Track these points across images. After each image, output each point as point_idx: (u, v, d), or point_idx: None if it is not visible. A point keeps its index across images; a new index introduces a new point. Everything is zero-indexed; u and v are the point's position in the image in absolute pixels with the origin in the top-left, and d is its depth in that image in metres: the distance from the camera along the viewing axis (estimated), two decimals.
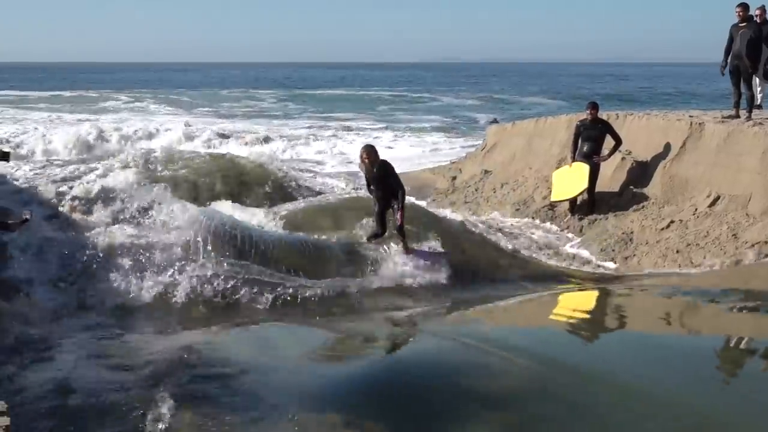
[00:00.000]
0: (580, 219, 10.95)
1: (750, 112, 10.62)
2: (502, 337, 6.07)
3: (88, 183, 11.87)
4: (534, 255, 10.00)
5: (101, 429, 4.50)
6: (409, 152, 21.65)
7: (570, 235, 10.79)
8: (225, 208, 9.97)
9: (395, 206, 8.69)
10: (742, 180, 9.42)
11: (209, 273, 7.97)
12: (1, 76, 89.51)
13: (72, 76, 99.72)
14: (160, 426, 4.42)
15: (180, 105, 45.35)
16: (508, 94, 57.17)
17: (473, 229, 10.53)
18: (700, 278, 8.34)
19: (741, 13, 10.48)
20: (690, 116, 11.51)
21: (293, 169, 15.27)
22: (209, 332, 6.94)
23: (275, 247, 8.59)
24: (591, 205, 11.01)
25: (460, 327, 6.88)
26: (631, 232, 10.00)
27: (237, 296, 7.81)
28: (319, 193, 13.44)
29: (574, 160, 11.08)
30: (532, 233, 10.95)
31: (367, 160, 8.75)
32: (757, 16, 10.87)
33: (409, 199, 9.95)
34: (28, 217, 6.76)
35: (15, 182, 12.66)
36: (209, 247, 8.21)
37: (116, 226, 9.30)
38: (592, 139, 10.96)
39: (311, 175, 16.75)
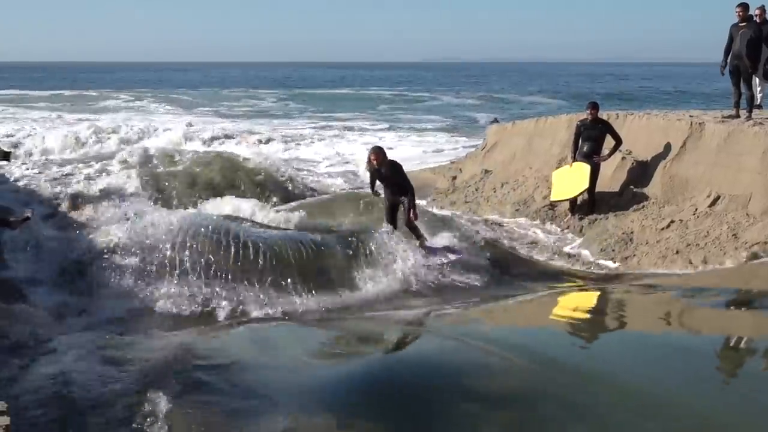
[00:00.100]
0: (581, 219, 10.95)
1: (750, 111, 10.62)
2: (502, 336, 6.07)
3: (87, 182, 11.89)
4: (534, 255, 10.00)
5: (101, 428, 4.50)
6: (411, 152, 21.64)
7: (570, 234, 10.79)
8: (227, 203, 10.01)
9: (405, 203, 8.86)
10: (743, 180, 9.42)
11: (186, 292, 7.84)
12: (1, 76, 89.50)
13: (72, 75, 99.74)
14: (161, 425, 4.42)
15: (180, 104, 45.34)
16: (508, 93, 57.15)
17: (474, 229, 10.53)
18: (700, 278, 8.34)
19: (741, 13, 10.48)
20: (690, 116, 11.51)
21: (292, 168, 15.30)
22: (209, 331, 6.94)
23: (269, 251, 8.50)
24: (591, 204, 11.01)
25: (460, 326, 6.88)
26: (632, 232, 10.00)
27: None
28: (319, 191, 13.47)
29: (574, 159, 11.08)
30: (532, 233, 10.95)
31: (375, 162, 8.87)
32: (756, 15, 10.88)
33: None
34: (29, 215, 6.79)
35: (15, 181, 12.67)
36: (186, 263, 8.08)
37: (115, 225, 9.30)
38: (592, 139, 10.96)
39: (311, 174, 16.78)
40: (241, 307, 7.71)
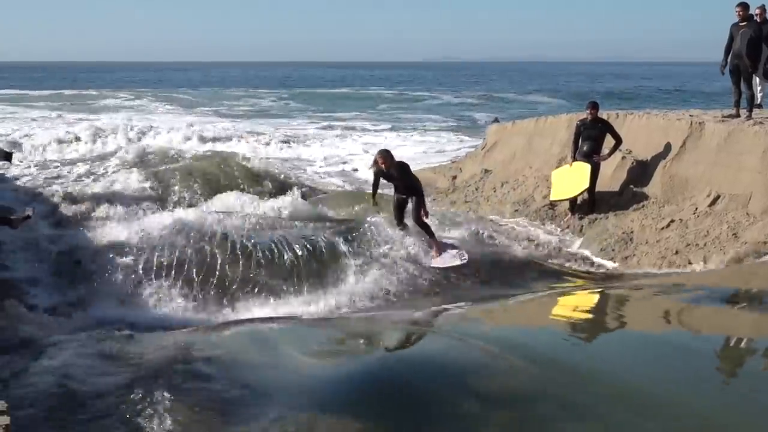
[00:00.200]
0: (580, 218, 10.94)
1: (750, 111, 10.62)
2: (502, 336, 6.07)
3: (87, 182, 11.89)
4: (534, 254, 9.99)
5: (101, 427, 4.50)
6: (411, 151, 21.64)
7: (570, 234, 10.79)
8: (226, 201, 10.03)
9: (413, 202, 8.94)
10: (743, 179, 9.41)
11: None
12: (1, 76, 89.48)
13: (72, 75, 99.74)
14: (161, 424, 4.42)
15: (180, 104, 45.35)
16: (508, 92, 57.14)
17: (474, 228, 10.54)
18: (700, 277, 8.33)
19: (741, 13, 10.49)
20: (690, 115, 11.51)
21: (291, 168, 15.31)
22: (209, 330, 6.93)
23: (264, 256, 8.50)
24: (591, 204, 11.01)
25: (460, 326, 6.87)
26: (632, 232, 10.00)
27: None
28: (318, 190, 13.49)
29: (574, 159, 11.08)
30: (532, 233, 10.94)
31: (383, 165, 8.87)
32: (757, 15, 10.88)
33: None
34: (30, 214, 6.80)
35: (14, 180, 12.67)
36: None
37: (114, 224, 9.31)
38: (592, 139, 10.96)
39: (310, 173, 16.79)
40: (240, 306, 7.72)
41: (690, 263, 8.88)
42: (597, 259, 9.80)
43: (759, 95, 11.44)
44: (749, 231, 8.80)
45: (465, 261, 8.83)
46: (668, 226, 9.69)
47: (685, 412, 4.26)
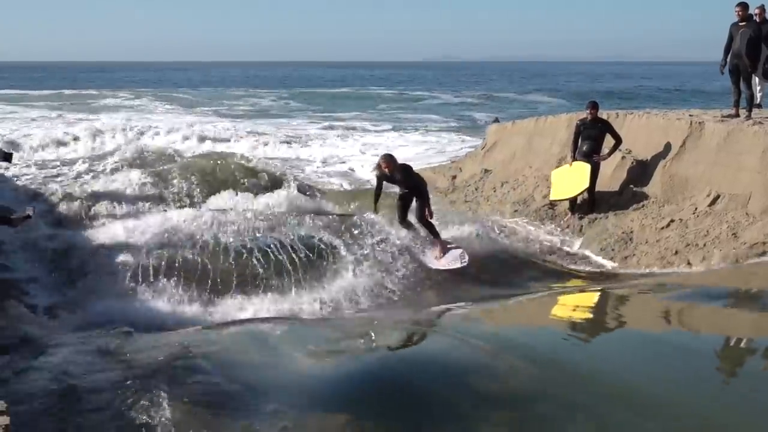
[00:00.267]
0: (580, 218, 10.94)
1: (750, 111, 10.62)
2: (502, 336, 6.07)
3: (86, 181, 11.88)
4: (533, 254, 9.99)
5: (101, 426, 4.50)
6: (411, 151, 21.64)
7: (570, 234, 10.79)
8: (225, 201, 10.05)
9: (418, 202, 8.95)
10: (742, 179, 9.41)
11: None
12: (1, 76, 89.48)
13: (72, 75, 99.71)
14: (159, 423, 4.42)
15: (180, 103, 45.33)
16: (508, 92, 57.15)
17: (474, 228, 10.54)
18: (700, 277, 8.34)
19: (740, 13, 10.50)
20: (690, 115, 11.51)
21: (290, 167, 15.31)
22: (208, 329, 6.94)
23: (262, 254, 8.50)
24: (591, 204, 11.01)
25: (460, 326, 6.88)
26: (631, 232, 10.00)
27: None
28: (319, 190, 13.49)
29: (574, 159, 11.08)
30: (532, 232, 10.94)
31: (387, 169, 8.88)
32: (756, 15, 10.88)
33: None
34: (30, 213, 6.79)
35: (14, 180, 12.67)
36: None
37: (114, 224, 9.31)
38: (592, 138, 10.96)
39: (310, 173, 16.78)
40: (239, 305, 7.72)
41: (689, 263, 8.88)
42: (597, 259, 9.80)
43: (758, 95, 11.44)
44: (749, 231, 8.80)
45: (465, 263, 8.82)
46: (668, 225, 9.69)
47: (685, 412, 4.26)
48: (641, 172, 10.94)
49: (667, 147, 10.73)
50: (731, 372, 5.14)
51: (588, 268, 9.51)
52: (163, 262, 8.18)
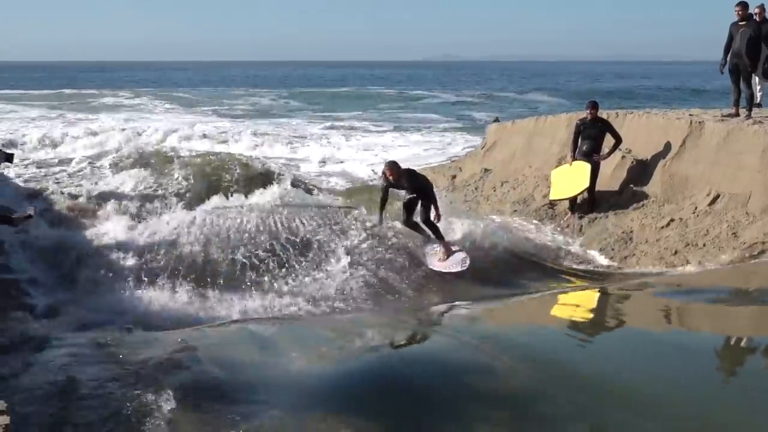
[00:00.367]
0: (580, 218, 10.94)
1: (749, 110, 10.63)
2: (502, 335, 6.07)
3: (85, 181, 11.88)
4: (534, 254, 9.99)
5: (101, 426, 4.50)
6: (412, 151, 21.65)
7: (570, 234, 10.79)
8: (222, 197, 10.11)
9: (424, 204, 8.94)
10: (742, 178, 9.41)
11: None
12: (0, 75, 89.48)
13: (72, 74, 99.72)
14: (159, 423, 4.42)
15: (180, 103, 45.35)
16: (508, 92, 57.13)
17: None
18: (700, 276, 8.34)
19: (740, 12, 10.50)
20: (690, 115, 11.51)
21: (289, 167, 15.31)
22: (208, 329, 6.94)
23: (261, 252, 8.53)
24: (591, 203, 11.01)
25: (460, 325, 6.88)
26: (631, 231, 10.00)
27: None
28: (315, 186, 13.49)
29: (574, 158, 11.08)
30: (532, 232, 10.94)
31: (391, 177, 8.86)
32: (756, 14, 10.88)
33: None
34: (31, 213, 6.79)
35: (14, 180, 12.67)
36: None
37: (113, 224, 9.31)
38: (591, 138, 10.96)
39: (309, 173, 16.77)
40: (240, 305, 7.73)
41: (689, 262, 8.88)
42: (597, 259, 9.80)
43: (758, 94, 11.44)
44: (749, 230, 8.80)
45: (466, 268, 8.79)
46: (668, 225, 9.69)
47: (685, 411, 4.26)
48: (641, 171, 10.94)
49: (667, 146, 10.73)
50: (731, 371, 5.14)
51: (588, 268, 9.51)
52: (162, 262, 8.19)
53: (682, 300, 7.21)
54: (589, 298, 8.13)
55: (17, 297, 7.58)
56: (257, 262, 8.41)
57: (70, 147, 20.71)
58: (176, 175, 12.59)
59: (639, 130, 11.46)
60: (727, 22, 10.87)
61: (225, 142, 23.47)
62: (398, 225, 9.31)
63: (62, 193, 11.33)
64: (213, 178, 12.69)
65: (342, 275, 8.40)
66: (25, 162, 16.69)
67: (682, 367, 5.00)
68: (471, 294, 8.34)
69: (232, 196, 10.92)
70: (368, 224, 9.19)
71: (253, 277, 8.25)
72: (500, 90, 59.50)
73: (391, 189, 9.11)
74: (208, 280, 8.11)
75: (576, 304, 7.76)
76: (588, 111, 11.08)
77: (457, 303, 7.99)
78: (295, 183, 12.61)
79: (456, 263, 8.82)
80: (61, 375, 5.28)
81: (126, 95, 50.61)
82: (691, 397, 4.48)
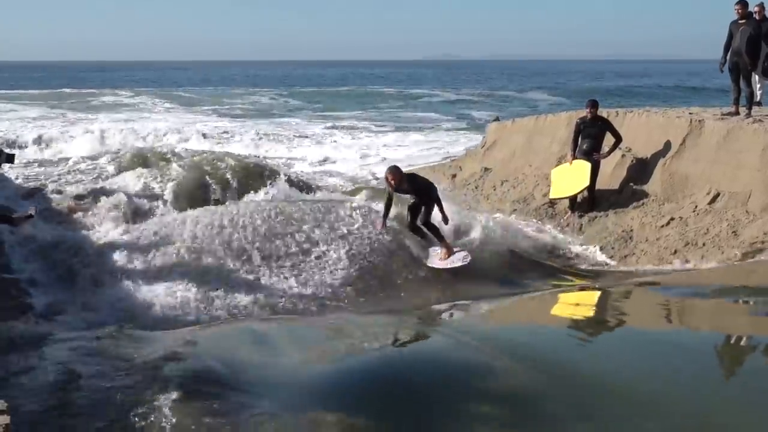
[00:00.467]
0: (580, 216, 10.94)
1: (749, 109, 10.63)
2: (502, 335, 6.07)
3: (85, 181, 11.89)
4: (534, 253, 9.99)
5: (101, 426, 4.50)
6: (411, 150, 21.65)
7: (570, 232, 10.78)
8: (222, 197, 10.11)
9: (425, 206, 8.95)
10: (742, 177, 9.41)
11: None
12: (0, 75, 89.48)
13: (72, 74, 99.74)
14: (159, 422, 4.42)
15: (180, 102, 45.36)
16: (508, 90, 57.13)
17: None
18: (700, 275, 8.33)
19: (740, 11, 10.50)
20: (690, 113, 11.50)
21: (288, 166, 15.31)
22: (208, 329, 6.94)
23: (260, 251, 8.54)
24: (591, 202, 11.01)
25: (460, 325, 6.88)
26: (631, 230, 9.99)
27: None
28: (313, 184, 13.50)
29: (574, 157, 11.08)
30: (532, 231, 10.94)
31: (393, 182, 8.87)
32: (756, 13, 10.88)
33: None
34: (32, 213, 6.80)
35: (15, 180, 12.68)
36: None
37: (113, 224, 9.31)
38: (591, 137, 10.96)
39: (308, 172, 16.77)
40: (239, 303, 7.73)
41: (689, 261, 8.88)
42: (597, 257, 9.79)
43: (758, 93, 11.45)
44: (749, 229, 8.80)
45: (467, 263, 8.80)
46: (668, 224, 9.69)
47: (686, 410, 4.25)
48: (641, 170, 10.93)
49: (667, 145, 10.72)
50: (732, 370, 5.13)
51: (588, 267, 9.51)
52: (160, 261, 8.19)
53: (683, 298, 7.21)
54: (589, 297, 8.13)
55: (17, 296, 7.57)
56: (255, 260, 8.41)
57: (70, 146, 20.74)
58: (175, 174, 12.60)
59: (639, 129, 11.45)
60: (726, 20, 10.89)
61: (225, 141, 23.49)
62: (398, 224, 9.30)
63: (62, 192, 11.34)
64: (211, 176, 12.70)
65: (341, 273, 8.40)
66: (25, 162, 16.69)
67: (682, 365, 4.99)
68: (471, 293, 8.34)
69: (229, 194, 10.94)
70: (368, 220, 9.17)
71: (252, 275, 8.25)
72: (500, 89, 59.51)
73: (395, 194, 9.13)
74: (207, 278, 8.10)
75: (576, 303, 7.76)
76: (588, 110, 11.08)
77: (457, 302, 7.98)
78: (293, 181, 12.62)
79: (457, 260, 8.83)
80: (60, 374, 5.27)
81: (126, 94, 50.63)
82: (691, 395, 4.47)
